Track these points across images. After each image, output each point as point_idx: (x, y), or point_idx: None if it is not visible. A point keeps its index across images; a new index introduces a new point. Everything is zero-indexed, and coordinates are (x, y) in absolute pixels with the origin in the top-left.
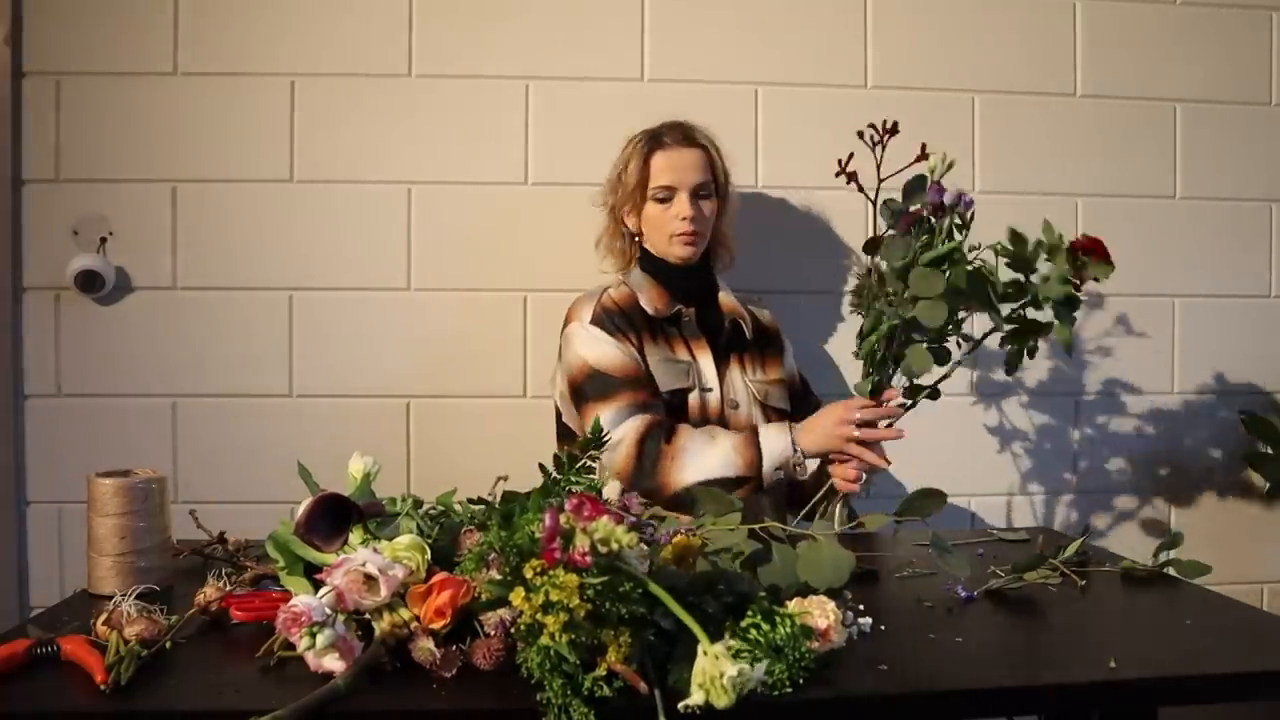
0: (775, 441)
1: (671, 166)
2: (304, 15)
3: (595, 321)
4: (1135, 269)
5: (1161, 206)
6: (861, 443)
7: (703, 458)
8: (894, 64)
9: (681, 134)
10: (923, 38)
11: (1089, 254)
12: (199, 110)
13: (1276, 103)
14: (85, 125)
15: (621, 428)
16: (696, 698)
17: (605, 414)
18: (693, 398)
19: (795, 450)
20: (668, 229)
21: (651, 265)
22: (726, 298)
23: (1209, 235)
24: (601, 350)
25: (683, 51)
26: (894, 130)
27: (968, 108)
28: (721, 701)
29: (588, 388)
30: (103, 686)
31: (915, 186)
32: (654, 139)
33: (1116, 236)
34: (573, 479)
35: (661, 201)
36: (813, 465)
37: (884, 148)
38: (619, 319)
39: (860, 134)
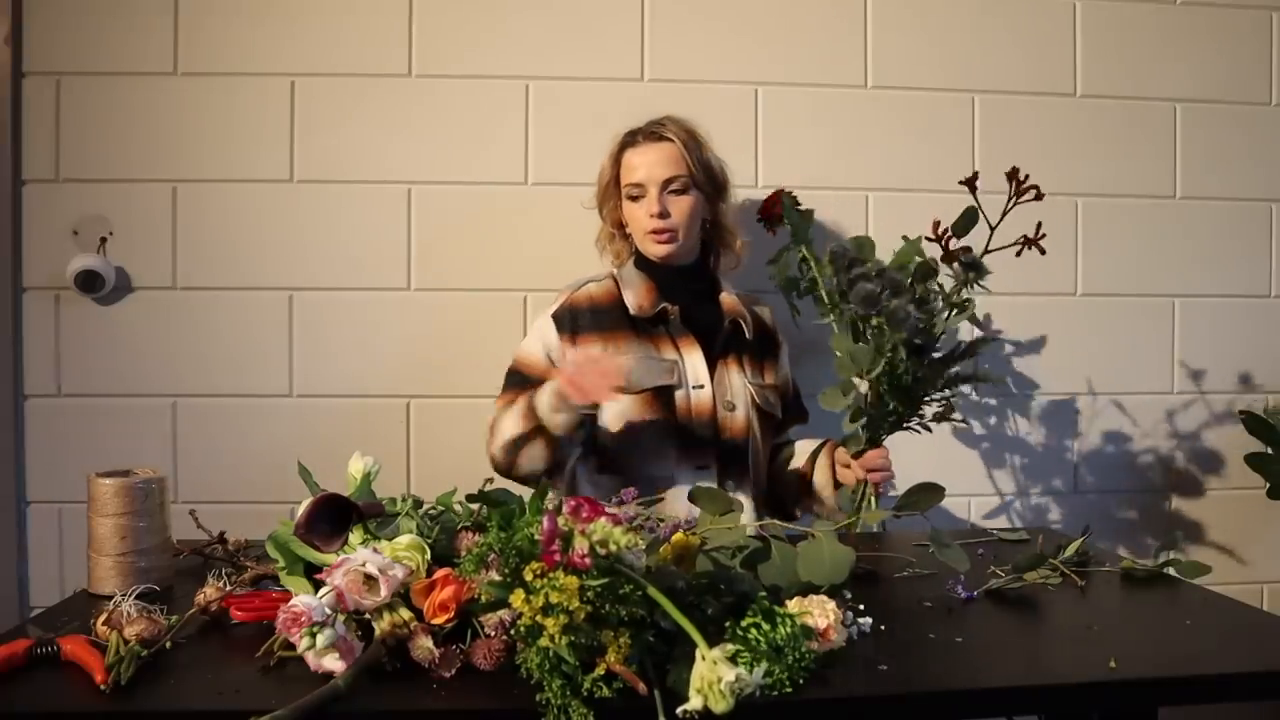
0: (544, 391)
1: (641, 163)
2: (304, 15)
3: (555, 316)
4: (1135, 269)
5: (1161, 206)
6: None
7: (503, 423)
8: (894, 64)
9: (652, 129)
10: (923, 38)
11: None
12: (199, 110)
13: (1276, 103)
14: (85, 125)
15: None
16: (695, 703)
17: (500, 405)
18: (679, 395)
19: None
20: (643, 227)
21: (644, 262)
22: (728, 297)
23: (1209, 235)
24: (531, 349)
25: (683, 51)
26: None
27: (968, 108)
28: (720, 707)
29: (506, 379)
30: (103, 686)
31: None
32: (628, 137)
33: (1116, 236)
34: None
35: (635, 199)
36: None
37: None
38: (585, 317)
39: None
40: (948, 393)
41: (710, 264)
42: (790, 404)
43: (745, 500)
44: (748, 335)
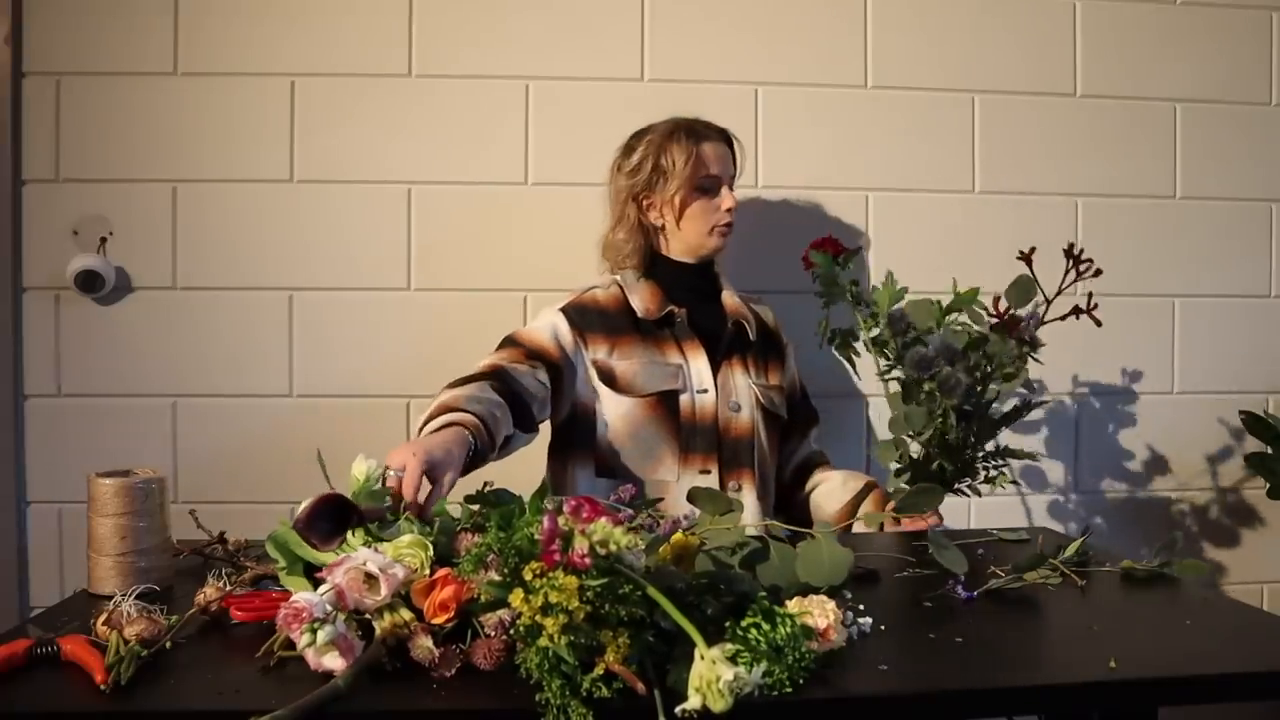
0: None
1: (718, 157)
2: (304, 15)
3: (564, 310)
4: (1135, 269)
5: (1161, 206)
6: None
7: (448, 392)
8: (894, 64)
9: (714, 128)
10: (923, 38)
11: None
12: (199, 110)
13: (1276, 103)
14: (85, 125)
15: None
16: (693, 702)
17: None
18: (684, 399)
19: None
20: (710, 220)
21: (656, 263)
22: (730, 298)
23: (1209, 235)
24: (538, 328)
25: (683, 51)
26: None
27: (968, 108)
28: (718, 706)
29: (500, 342)
30: (103, 686)
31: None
32: (692, 131)
33: (1116, 236)
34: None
35: (705, 191)
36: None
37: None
38: (592, 318)
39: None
40: (1000, 462)
41: (713, 264)
42: (798, 404)
43: (749, 501)
44: (751, 336)
